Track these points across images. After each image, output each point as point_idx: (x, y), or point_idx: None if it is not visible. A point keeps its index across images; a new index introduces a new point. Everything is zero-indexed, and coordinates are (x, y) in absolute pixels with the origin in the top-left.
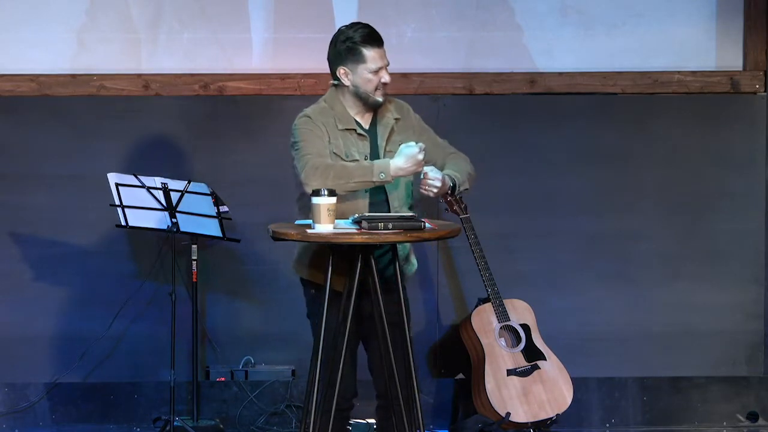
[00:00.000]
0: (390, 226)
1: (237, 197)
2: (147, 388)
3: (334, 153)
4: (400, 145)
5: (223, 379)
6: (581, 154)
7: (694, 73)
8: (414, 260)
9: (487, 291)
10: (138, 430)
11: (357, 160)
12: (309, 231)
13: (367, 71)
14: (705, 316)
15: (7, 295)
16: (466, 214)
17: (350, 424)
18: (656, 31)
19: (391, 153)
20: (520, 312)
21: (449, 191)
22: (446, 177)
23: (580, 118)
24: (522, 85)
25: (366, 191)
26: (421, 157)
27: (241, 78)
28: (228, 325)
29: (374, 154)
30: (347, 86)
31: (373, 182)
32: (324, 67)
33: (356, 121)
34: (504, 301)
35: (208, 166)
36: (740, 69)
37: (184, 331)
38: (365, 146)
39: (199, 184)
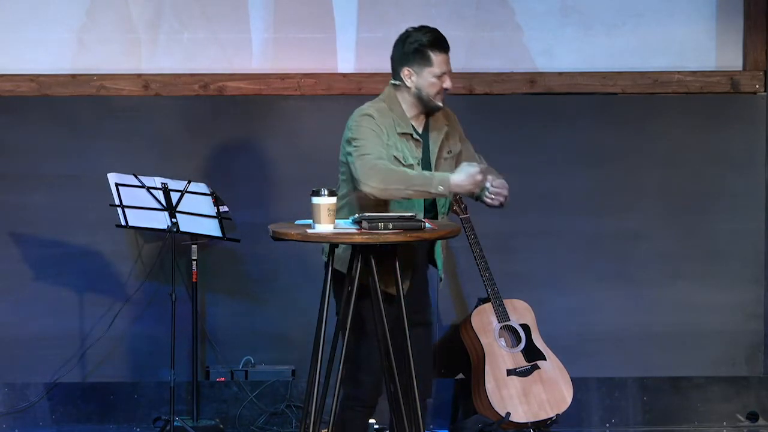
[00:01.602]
0: (390, 226)
1: (237, 197)
2: (147, 388)
3: (394, 157)
4: (449, 152)
5: (223, 379)
6: (581, 154)
7: (694, 73)
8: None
9: (487, 291)
10: (138, 430)
11: (412, 165)
12: (309, 231)
13: (432, 75)
14: (705, 316)
15: (7, 295)
16: (466, 214)
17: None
18: (656, 31)
19: (442, 159)
20: (520, 312)
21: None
22: None
23: (580, 118)
24: (522, 85)
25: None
26: (479, 178)
27: (241, 78)
28: (228, 325)
29: (425, 159)
30: (409, 88)
31: (430, 193)
32: (323, 67)
33: (412, 125)
34: (504, 301)
35: (208, 166)
36: (740, 69)
37: (184, 331)
38: (419, 151)
39: (199, 184)
